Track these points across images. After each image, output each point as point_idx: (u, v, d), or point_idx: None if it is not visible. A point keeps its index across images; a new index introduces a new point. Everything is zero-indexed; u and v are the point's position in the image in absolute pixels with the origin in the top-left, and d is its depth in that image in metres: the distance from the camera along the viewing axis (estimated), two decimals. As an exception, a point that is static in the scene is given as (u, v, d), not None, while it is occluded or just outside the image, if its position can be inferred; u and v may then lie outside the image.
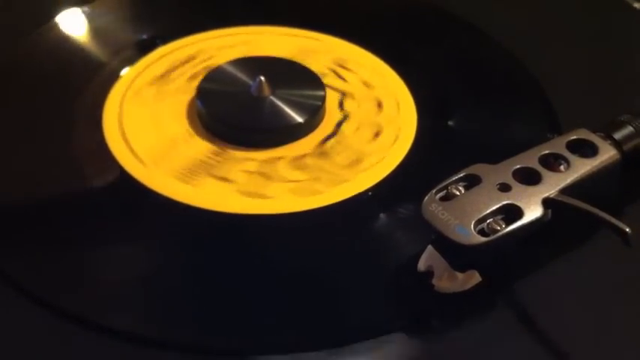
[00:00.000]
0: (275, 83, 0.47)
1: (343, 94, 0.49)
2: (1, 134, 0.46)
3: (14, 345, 0.35)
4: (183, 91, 0.48)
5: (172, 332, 0.36)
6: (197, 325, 0.37)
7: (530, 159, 0.39)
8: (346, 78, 0.50)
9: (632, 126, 0.41)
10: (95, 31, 0.54)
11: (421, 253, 0.38)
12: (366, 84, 0.50)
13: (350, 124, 0.47)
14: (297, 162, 0.44)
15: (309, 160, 0.44)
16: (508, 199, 0.37)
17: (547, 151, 0.39)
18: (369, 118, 0.47)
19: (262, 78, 0.46)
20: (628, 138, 0.40)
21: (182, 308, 0.37)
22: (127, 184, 0.43)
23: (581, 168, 0.38)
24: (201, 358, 0.36)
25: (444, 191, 0.37)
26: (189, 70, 0.50)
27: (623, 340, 0.37)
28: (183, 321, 0.37)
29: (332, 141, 0.46)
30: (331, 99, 0.48)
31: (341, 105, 0.48)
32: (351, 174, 0.44)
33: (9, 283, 0.38)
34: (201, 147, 0.45)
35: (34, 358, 0.35)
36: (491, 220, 0.36)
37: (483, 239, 0.35)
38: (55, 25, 0.54)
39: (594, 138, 0.40)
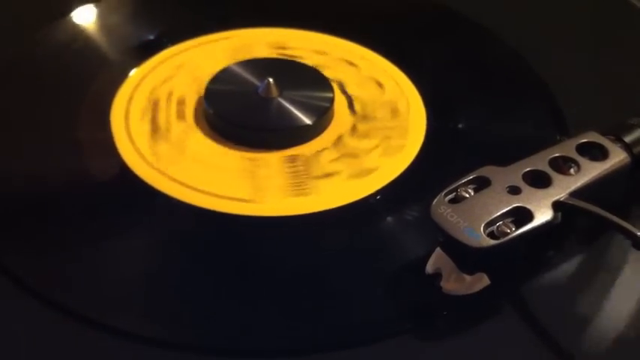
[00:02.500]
0: (283, 85, 0.46)
1: (352, 96, 0.49)
2: (10, 130, 0.46)
3: (16, 342, 0.35)
4: (190, 91, 0.48)
5: (171, 331, 0.36)
6: (197, 325, 0.37)
7: (540, 162, 0.39)
8: (355, 80, 0.50)
9: (642, 129, 0.41)
10: (105, 29, 0.55)
11: (429, 255, 0.38)
12: (377, 85, 0.50)
13: (358, 126, 0.47)
14: (306, 164, 0.44)
15: (317, 162, 0.44)
16: (518, 201, 0.37)
17: (557, 154, 0.39)
18: (378, 120, 0.47)
19: (270, 79, 0.46)
20: (638, 141, 0.40)
21: (183, 308, 0.37)
22: (133, 183, 0.43)
23: (592, 171, 0.38)
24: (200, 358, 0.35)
25: (454, 193, 0.37)
26: (197, 71, 0.50)
27: (631, 342, 0.36)
28: (182, 321, 0.37)
29: (340, 143, 0.46)
30: (340, 101, 0.48)
31: (350, 106, 0.48)
32: (361, 175, 0.44)
33: (10, 279, 0.38)
34: (208, 147, 0.45)
35: (35, 355, 0.35)
36: (500, 222, 0.36)
37: (493, 242, 0.35)
38: (66, 23, 0.54)
39: (604, 141, 0.40)
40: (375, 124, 0.47)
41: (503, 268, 0.37)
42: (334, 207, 0.42)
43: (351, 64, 0.51)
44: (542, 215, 0.36)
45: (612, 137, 0.40)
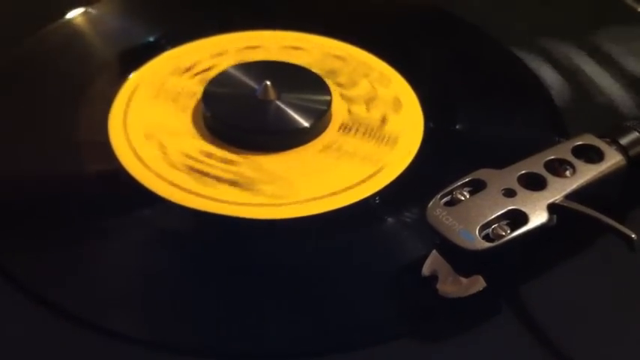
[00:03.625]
0: (281, 87, 0.47)
1: (349, 98, 0.49)
2: (8, 132, 0.46)
3: (14, 342, 0.35)
4: (189, 94, 0.48)
5: (168, 334, 0.36)
6: (195, 327, 0.37)
7: (535, 164, 0.39)
8: (353, 83, 0.50)
9: (637, 131, 0.41)
10: (102, 31, 0.55)
11: (426, 258, 0.38)
12: (373, 89, 0.50)
13: (356, 128, 0.47)
14: (304, 166, 0.44)
15: (315, 165, 0.44)
16: (513, 204, 0.37)
17: (552, 157, 0.39)
18: (376, 122, 0.47)
19: (268, 82, 0.46)
20: (634, 143, 0.40)
21: (180, 310, 0.37)
22: (130, 186, 0.43)
23: (587, 173, 0.38)
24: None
25: (449, 196, 0.37)
26: (196, 73, 0.50)
27: (627, 344, 0.37)
28: (180, 323, 0.37)
29: (337, 145, 0.46)
30: (337, 103, 0.48)
31: (348, 109, 0.48)
32: (358, 178, 0.44)
33: (7, 280, 0.38)
34: (206, 150, 0.45)
35: (34, 356, 0.35)
36: (496, 225, 0.36)
37: (488, 244, 0.35)
38: (63, 25, 0.54)
39: (600, 143, 0.40)
40: (372, 127, 0.47)
41: (500, 270, 0.37)
42: (330, 210, 0.42)
43: (346, 63, 0.51)
44: (537, 218, 0.36)
45: (608, 140, 0.40)
